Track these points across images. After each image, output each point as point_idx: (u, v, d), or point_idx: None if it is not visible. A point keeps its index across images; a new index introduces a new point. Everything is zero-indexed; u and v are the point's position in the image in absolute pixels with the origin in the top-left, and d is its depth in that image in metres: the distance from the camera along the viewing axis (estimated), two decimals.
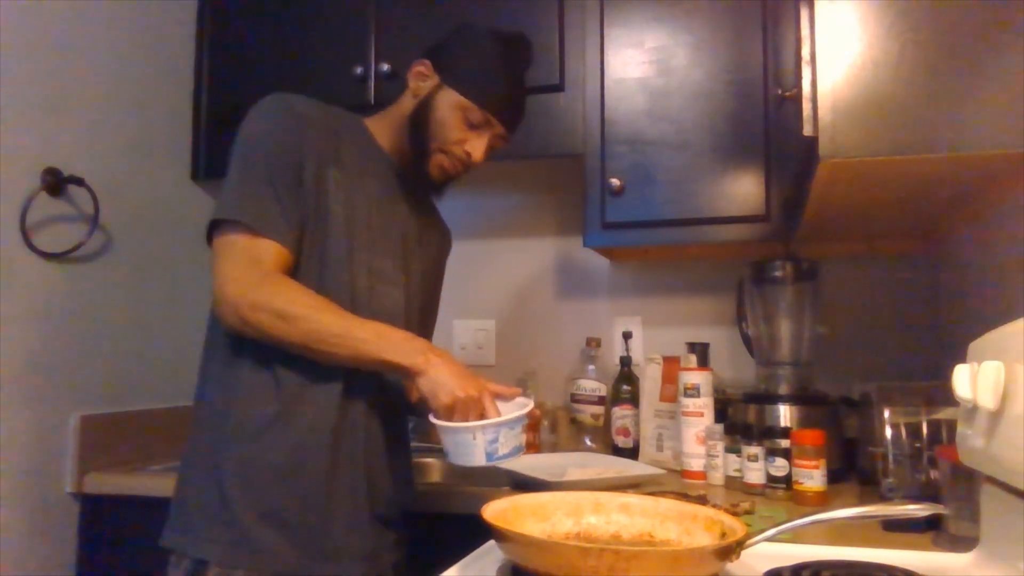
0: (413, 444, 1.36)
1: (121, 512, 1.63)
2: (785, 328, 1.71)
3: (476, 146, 1.24)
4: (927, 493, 1.14)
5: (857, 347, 1.86)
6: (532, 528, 0.85)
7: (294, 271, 1.15)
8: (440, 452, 1.17)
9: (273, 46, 1.95)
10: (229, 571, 1.09)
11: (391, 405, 1.24)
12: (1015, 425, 0.73)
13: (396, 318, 1.23)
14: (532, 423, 1.80)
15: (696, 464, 1.59)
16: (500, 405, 1.12)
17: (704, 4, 1.71)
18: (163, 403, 1.88)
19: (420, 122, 1.24)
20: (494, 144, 1.27)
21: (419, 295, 1.33)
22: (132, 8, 1.85)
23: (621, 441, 1.84)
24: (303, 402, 1.14)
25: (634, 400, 1.84)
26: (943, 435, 1.18)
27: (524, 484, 1.44)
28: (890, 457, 1.23)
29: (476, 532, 0.86)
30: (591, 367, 1.93)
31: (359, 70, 1.86)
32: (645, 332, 2.02)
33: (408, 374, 1.11)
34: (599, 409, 1.90)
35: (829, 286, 1.83)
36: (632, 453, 1.81)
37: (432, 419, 1.12)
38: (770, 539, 0.78)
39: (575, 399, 1.92)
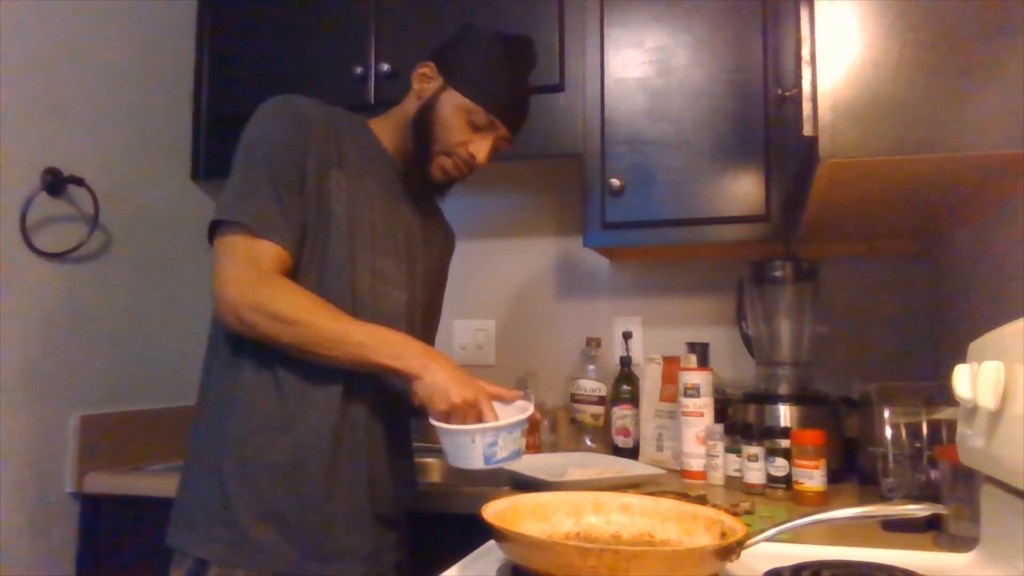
0: (414, 444, 1.36)
1: (121, 512, 1.62)
2: (785, 328, 1.70)
3: (480, 148, 1.24)
4: (927, 493, 1.14)
5: (857, 347, 1.86)
6: (532, 528, 0.85)
7: (296, 272, 1.15)
8: (440, 452, 1.17)
9: (273, 46, 1.95)
10: (230, 571, 1.09)
11: (392, 405, 1.23)
12: (1015, 425, 0.73)
13: (399, 319, 1.23)
14: (532, 426, 1.80)
15: (696, 464, 1.59)
16: (500, 409, 1.12)
17: (704, 4, 1.71)
18: (163, 403, 1.88)
19: (424, 124, 1.24)
20: (498, 146, 1.27)
21: (422, 296, 1.33)
22: (132, 8, 1.85)
23: (621, 441, 1.84)
24: (304, 402, 1.14)
25: (634, 400, 1.84)
26: (943, 435, 1.18)
27: (524, 484, 1.44)
28: (890, 457, 1.23)
29: (476, 532, 0.86)
30: (591, 367, 1.93)
31: (359, 70, 1.86)
32: (645, 332, 2.02)
33: (405, 379, 1.11)
34: (599, 409, 1.90)
35: (829, 286, 1.83)
36: (632, 453, 1.81)
37: (431, 421, 1.11)
38: (770, 539, 0.78)
39: (575, 399, 1.92)
